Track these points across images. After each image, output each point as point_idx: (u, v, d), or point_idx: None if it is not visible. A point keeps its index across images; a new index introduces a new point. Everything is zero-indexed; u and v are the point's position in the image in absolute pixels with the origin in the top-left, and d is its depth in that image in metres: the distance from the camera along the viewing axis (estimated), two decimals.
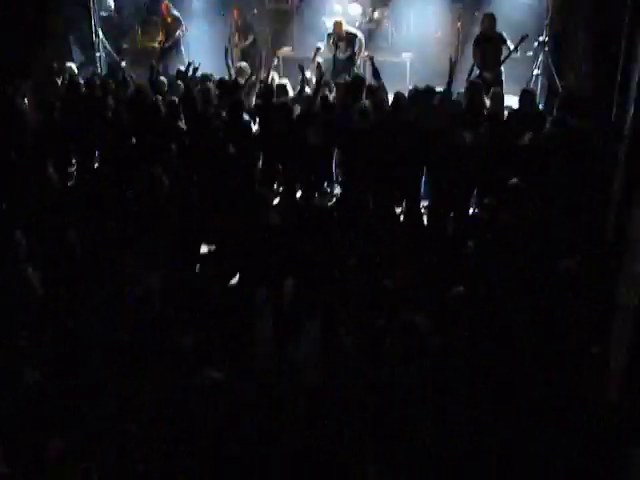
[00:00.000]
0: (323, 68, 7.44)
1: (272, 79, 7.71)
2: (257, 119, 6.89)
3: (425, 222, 6.04)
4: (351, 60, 9.00)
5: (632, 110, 4.54)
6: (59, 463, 3.70)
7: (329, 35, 9.12)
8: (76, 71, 8.64)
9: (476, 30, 8.69)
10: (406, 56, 11.08)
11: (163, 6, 10.53)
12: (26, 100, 7.59)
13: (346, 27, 9.17)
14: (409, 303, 4.41)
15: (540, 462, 3.54)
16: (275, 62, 9.03)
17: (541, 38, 8.77)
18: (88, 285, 4.79)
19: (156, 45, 10.92)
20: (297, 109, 6.77)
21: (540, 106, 7.72)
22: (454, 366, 3.75)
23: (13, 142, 6.47)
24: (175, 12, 10.49)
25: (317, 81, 6.88)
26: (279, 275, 4.90)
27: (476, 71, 8.07)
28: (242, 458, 3.49)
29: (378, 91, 6.95)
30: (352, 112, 6.36)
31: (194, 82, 7.42)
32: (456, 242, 5.25)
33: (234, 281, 5.19)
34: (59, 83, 8.22)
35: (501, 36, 8.23)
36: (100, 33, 9.99)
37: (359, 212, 5.89)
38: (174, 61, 10.08)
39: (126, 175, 6.18)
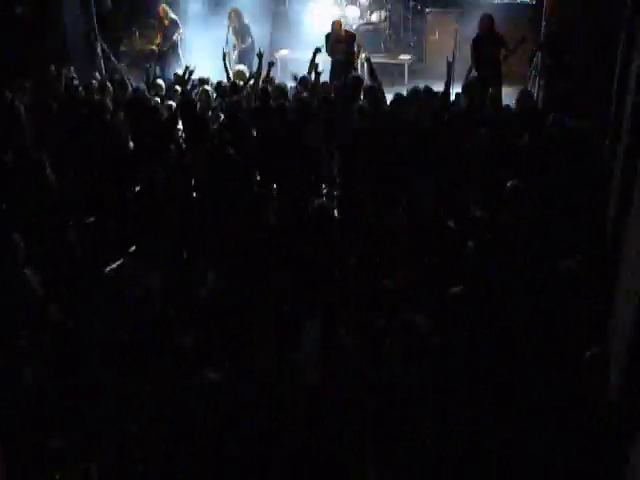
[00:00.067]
0: (321, 69, 7.45)
1: (271, 81, 7.73)
2: (255, 121, 6.91)
3: (424, 222, 6.03)
4: (349, 61, 9.01)
5: (630, 110, 4.55)
6: (59, 463, 3.70)
7: (327, 36, 9.14)
8: (74, 74, 8.65)
9: (474, 31, 8.71)
10: (404, 58, 11.11)
11: (160, 9, 10.55)
12: (25, 101, 7.59)
13: (345, 28, 9.19)
14: (409, 303, 4.41)
15: (540, 462, 3.54)
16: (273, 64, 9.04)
17: (539, 39, 8.79)
18: (88, 285, 4.79)
19: (154, 48, 10.94)
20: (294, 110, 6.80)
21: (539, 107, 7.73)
22: (454, 366, 3.75)
23: (12, 143, 6.46)
24: (172, 15, 10.51)
25: (314, 82, 6.90)
26: (279, 275, 4.90)
27: (474, 72, 8.09)
28: (242, 458, 3.49)
29: (376, 92, 6.96)
30: (350, 112, 6.37)
31: (193, 85, 7.44)
32: (456, 242, 5.25)
33: (234, 281, 5.18)
34: (58, 85, 8.23)
35: (499, 37, 8.25)
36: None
37: (359, 212, 5.89)
38: (172, 64, 10.10)
39: (126, 175, 6.18)
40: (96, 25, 9.93)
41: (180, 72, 7.79)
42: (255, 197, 6.03)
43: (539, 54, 8.68)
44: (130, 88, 7.83)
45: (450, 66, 6.85)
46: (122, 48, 11.14)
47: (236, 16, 9.97)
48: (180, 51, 10.45)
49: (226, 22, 10.00)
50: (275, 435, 3.65)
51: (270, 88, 7.31)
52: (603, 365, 3.86)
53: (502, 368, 3.84)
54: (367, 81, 7.53)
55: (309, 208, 5.19)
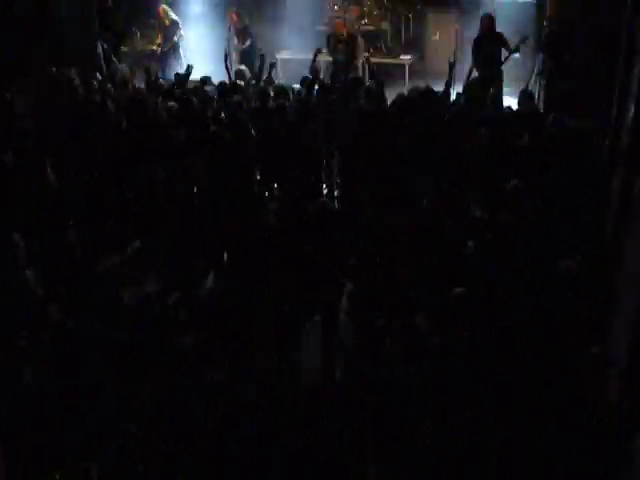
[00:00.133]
0: (322, 70, 7.47)
1: (272, 82, 7.74)
2: (255, 121, 6.91)
3: (424, 222, 6.03)
4: (350, 62, 9.02)
5: (632, 110, 4.54)
6: (59, 463, 3.70)
7: (329, 36, 9.15)
8: (75, 75, 8.64)
9: (475, 31, 8.71)
10: (404, 58, 11.11)
11: (160, 9, 10.55)
12: (25, 101, 7.59)
13: (346, 29, 9.20)
14: (409, 303, 4.41)
15: (540, 462, 3.54)
16: (274, 64, 9.06)
17: (540, 39, 8.78)
18: (88, 285, 4.78)
19: (154, 48, 10.94)
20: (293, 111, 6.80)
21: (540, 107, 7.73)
22: (454, 366, 3.75)
23: (12, 143, 6.47)
24: (173, 15, 10.51)
25: (311, 82, 6.91)
26: (279, 275, 4.90)
27: (475, 72, 8.10)
28: (242, 458, 3.49)
29: (376, 93, 6.97)
30: (350, 113, 6.37)
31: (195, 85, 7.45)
32: (456, 242, 5.25)
33: (234, 281, 5.19)
34: (58, 86, 8.22)
35: (500, 37, 8.24)
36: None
37: (359, 212, 5.89)
38: (172, 64, 10.11)
39: (126, 175, 6.18)
40: (97, 25, 9.92)
41: (181, 72, 7.81)
42: (255, 197, 6.03)
43: (540, 54, 8.68)
44: (130, 88, 7.83)
45: (452, 66, 6.87)
46: (123, 48, 11.13)
47: (237, 17, 9.97)
48: (181, 51, 10.46)
49: (227, 22, 10.00)
50: (275, 435, 3.65)
51: (271, 89, 7.32)
52: (603, 365, 3.86)
53: (502, 368, 3.84)
54: (367, 81, 7.54)
55: (309, 208, 5.20)
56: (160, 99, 7.20)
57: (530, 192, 5.13)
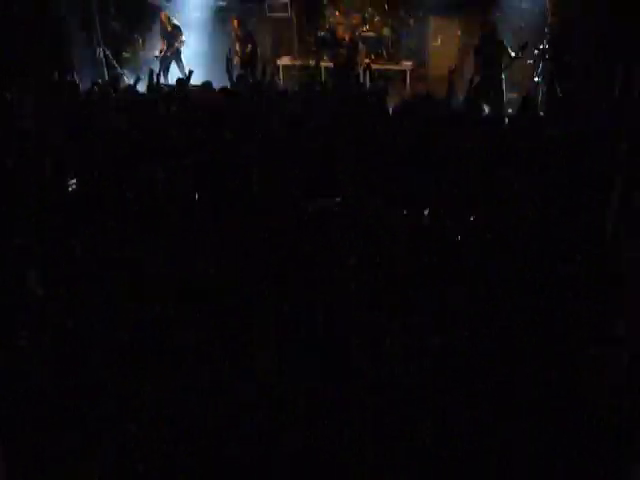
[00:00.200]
0: (323, 76, 7.51)
1: (273, 86, 7.76)
2: (256, 123, 6.92)
3: (425, 222, 6.04)
4: (351, 68, 9.05)
5: (632, 110, 4.55)
6: (59, 463, 3.69)
7: (330, 41, 9.18)
8: (77, 80, 8.66)
9: (476, 38, 8.74)
10: (406, 64, 11.14)
11: (162, 15, 10.60)
12: (26, 102, 7.60)
13: (347, 34, 9.24)
14: (409, 303, 4.40)
15: (540, 462, 3.53)
16: (275, 70, 9.11)
17: (541, 45, 8.81)
18: (88, 285, 4.78)
19: (156, 54, 10.98)
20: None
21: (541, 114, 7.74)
22: (454, 366, 3.75)
23: (12, 143, 6.48)
24: (174, 21, 10.55)
25: (309, 85, 6.93)
26: (279, 275, 4.90)
27: (476, 78, 8.12)
28: (242, 458, 3.49)
29: (377, 97, 6.98)
30: (351, 117, 6.39)
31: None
32: (456, 242, 5.25)
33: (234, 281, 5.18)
34: (60, 89, 8.23)
35: (501, 43, 8.26)
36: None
37: (359, 212, 5.89)
38: (174, 70, 10.13)
39: (126, 175, 6.19)
40: (99, 31, 9.96)
41: (182, 77, 7.84)
42: (255, 197, 6.03)
43: (542, 60, 8.71)
44: (131, 93, 7.84)
45: (452, 74, 6.93)
46: (125, 54, 11.17)
47: (238, 23, 9.99)
48: (182, 57, 10.49)
49: (229, 28, 10.03)
50: (275, 435, 3.65)
51: (272, 93, 7.34)
52: (603, 365, 3.86)
53: (502, 368, 3.84)
54: (368, 87, 7.58)
55: (309, 208, 5.20)
56: (161, 102, 7.22)
57: (530, 192, 5.13)
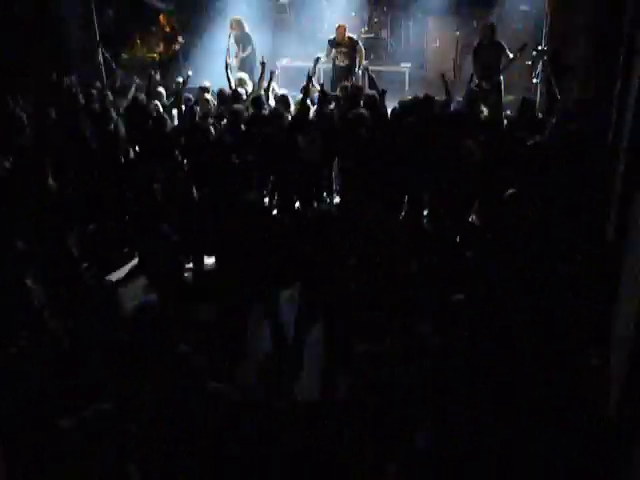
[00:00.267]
0: (322, 77, 7.48)
1: (272, 89, 7.74)
2: (254, 127, 6.91)
3: (425, 224, 6.05)
4: (350, 69, 9.04)
5: (632, 111, 4.55)
6: (59, 463, 3.69)
7: (330, 42, 9.16)
8: (76, 83, 8.64)
9: (475, 39, 8.73)
10: (405, 66, 11.13)
11: (161, 17, 10.59)
12: (26, 104, 7.60)
13: (346, 36, 9.21)
14: (409, 303, 4.41)
15: (540, 462, 3.54)
16: (275, 72, 9.06)
17: (540, 47, 8.80)
18: (88, 286, 4.79)
19: (155, 56, 10.96)
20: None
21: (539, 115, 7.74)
22: (454, 366, 3.75)
23: (12, 146, 6.48)
24: (174, 23, 10.55)
25: (306, 88, 6.93)
26: (279, 277, 4.90)
27: (475, 80, 8.12)
28: (242, 458, 3.49)
29: (375, 100, 6.97)
30: (350, 120, 6.39)
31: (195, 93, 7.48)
32: (456, 244, 5.26)
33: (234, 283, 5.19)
34: (59, 92, 8.22)
35: (500, 45, 8.26)
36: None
37: (359, 214, 5.89)
38: (173, 72, 10.11)
39: (126, 177, 6.20)
40: (98, 32, 9.95)
41: (181, 80, 7.81)
42: (255, 199, 6.03)
43: (540, 62, 8.70)
44: (131, 95, 7.83)
45: (445, 78, 6.99)
46: (123, 56, 11.15)
47: (237, 24, 9.93)
48: (181, 59, 10.48)
49: (227, 30, 9.99)
50: (275, 435, 3.65)
51: (272, 96, 7.34)
52: (603, 366, 3.86)
53: (502, 369, 3.84)
54: (367, 89, 7.57)
55: (309, 210, 5.21)
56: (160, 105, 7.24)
57: (530, 193, 5.13)
